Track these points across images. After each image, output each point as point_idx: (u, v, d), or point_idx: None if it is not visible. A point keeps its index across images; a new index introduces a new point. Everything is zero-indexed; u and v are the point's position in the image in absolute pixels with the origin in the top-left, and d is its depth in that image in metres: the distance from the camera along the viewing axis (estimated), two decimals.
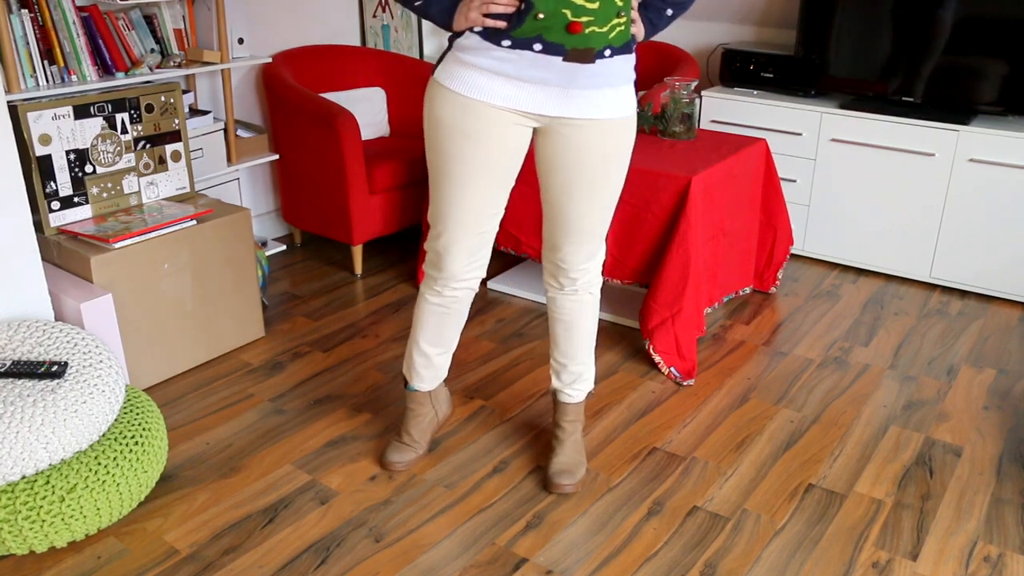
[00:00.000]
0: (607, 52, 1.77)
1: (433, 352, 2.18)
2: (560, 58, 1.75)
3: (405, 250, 3.72)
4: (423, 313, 2.13)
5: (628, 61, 1.85)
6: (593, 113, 1.84)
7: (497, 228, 2.03)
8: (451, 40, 1.86)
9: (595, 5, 1.70)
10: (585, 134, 1.87)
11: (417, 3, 1.82)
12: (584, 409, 2.43)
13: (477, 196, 1.92)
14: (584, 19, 1.71)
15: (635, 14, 1.84)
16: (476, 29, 1.78)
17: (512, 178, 1.96)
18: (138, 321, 2.56)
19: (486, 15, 1.74)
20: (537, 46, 1.74)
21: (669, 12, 1.92)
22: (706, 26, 4.06)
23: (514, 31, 1.73)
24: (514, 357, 2.83)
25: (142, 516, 2.10)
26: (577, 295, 2.12)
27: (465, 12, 1.77)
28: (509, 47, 1.76)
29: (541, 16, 1.70)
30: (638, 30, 1.87)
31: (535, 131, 1.92)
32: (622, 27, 1.77)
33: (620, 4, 1.73)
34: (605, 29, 1.74)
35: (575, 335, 2.17)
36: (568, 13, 1.69)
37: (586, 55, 1.75)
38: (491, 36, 1.76)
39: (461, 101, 1.83)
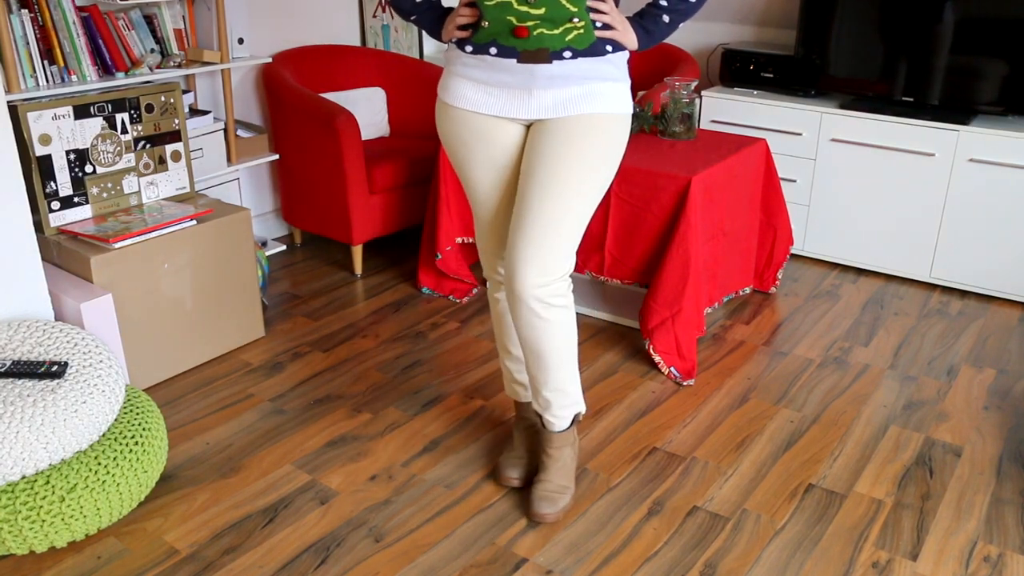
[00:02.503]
0: (566, 54, 1.79)
1: (519, 352, 2.19)
2: (514, 60, 1.82)
3: (405, 250, 3.72)
4: (496, 316, 2.18)
5: (602, 63, 1.83)
6: (560, 112, 1.87)
7: None
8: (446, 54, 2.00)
9: (540, 11, 1.74)
10: (553, 127, 1.88)
11: (412, 18, 1.98)
12: (574, 432, 2.17)
13: (493, 197, 2.01)
14: (529, 23, 1.76)
15: (611, 19, 1.80)
16: (453, 40, 1.91)
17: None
18: (138, 321, 2.56)
19: (458, 27, 1.88)
20: (492, 50, 1.83)
21: (666, 19, 1.88)
22: (706, 26, 4.06)
23: (473, 37, 1.85)
24: None
25: (142, 516, 2.10)
26: (521, 313, 1.90)
27: (446, 25, 1.91)
28: (471, 52, 1.86)
29: (486, 24, 1.79)
30: (620, 37, 1.82)
31: (528, 127, 1.96)
32: (580, 31, 1.77)
33: (573, 10, 1.74)
34: (557, 31, 1.77)
35: (544, 362, 1.98)
36: (513, 20, 1.76)
37: (540, 55, 1.79)
38: (460, 44, 1.89)
39: (450, 110, 1.95)
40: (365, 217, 3.32)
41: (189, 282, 2.67)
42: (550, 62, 1.80)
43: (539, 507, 2.06)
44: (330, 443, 2.38)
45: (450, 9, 1.93)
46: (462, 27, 1.86)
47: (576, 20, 1.76)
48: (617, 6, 1.87)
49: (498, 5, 1.75)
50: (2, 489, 1.85)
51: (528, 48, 1.78)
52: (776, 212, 3.20)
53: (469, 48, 1.86)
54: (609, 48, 1.83)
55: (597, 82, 1.85)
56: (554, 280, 1.89)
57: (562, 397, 2.06)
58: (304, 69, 3.60)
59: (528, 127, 1.95)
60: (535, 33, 1.76)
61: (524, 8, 1.73)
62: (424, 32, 2.03)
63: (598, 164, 1.87)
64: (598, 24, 1.80)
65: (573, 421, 2.14)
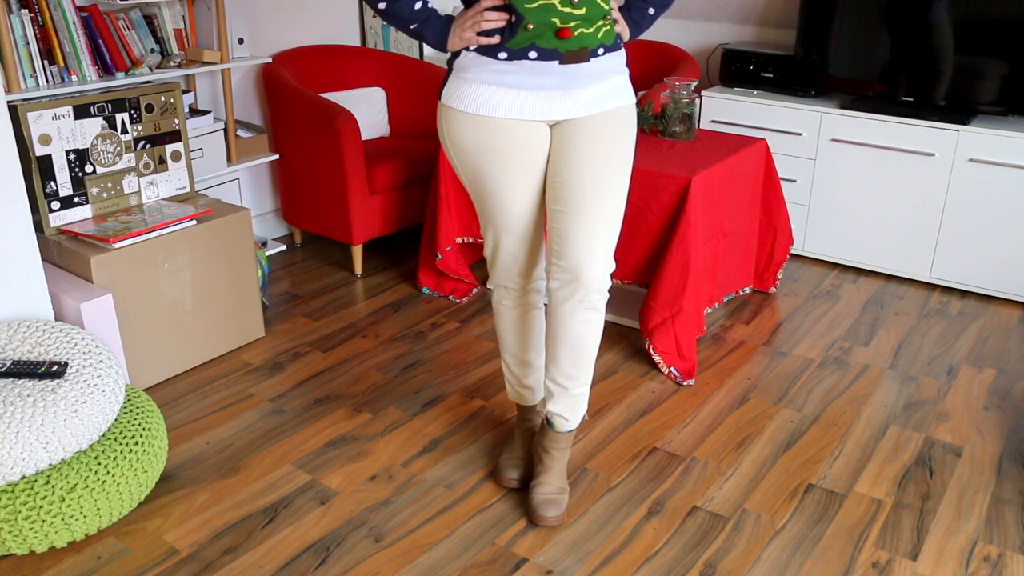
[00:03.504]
0: (600, 50, 1.84)
1: (532, 356, 2.17)
2: (556, 62, 1.80)
3: (405, 250, 3.72)
4: (509, 324, 2.12)
5: (619, 56, 1.92)
6: (593, 108, 1.88)
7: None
8: (450, 63, 1.90)
9: (582, 11, 1.76)
10: (588, 123, 1.89)
11: (413, 27, 1.86)
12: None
13: (524, 201, 1.95)
14: (572, 24, 1.76)
15: (616, 15, 1.90)
16: (472, 47, 1.82)
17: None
18: (138, 321, 2.56)
19: (479, 33, 1.80)
20: (532, 54, 1.79)
21: (651, 11, 2.00)
22: (706, 26, 4.06)
23: (508, 43, 1.78)
24: None
25: (142, 516, 2.10)
26: (580, 308, 1.92)
27: (459, 33, 1.82)
28: (506, 59, 1.81)
29: (531, 27, 1.76)
30: (622, 30, 1.93)
31: (551, 127, 1.94)
32: (608, 27, 1.84)
33: (606, 8, 1.79)
34: (592, 30, 1.80)
35: (583, 357, 2.01)
36: (557, 21, 1.75)
37: (581, 55, 1.81)
38: (487, 51, 1.81)
39: (473, 120, 1.86)
40: (365, 217, 3.32)
41: (189, 282, 2.67)
42: (588, 60, 1.82)
43: (546, 511, 2.05)
44: (330, 443, 2.38)
45: (452, 17, 1.86)
46: (483, 33, 1.79)
47: (607, 17, 1.82)
48: None
49: (541, 7, 1.73)
50: (2, 489, 1.85)
51: (571, 48, 1.79)
52: (776, 212, 3.20)
53: (503, 55, 1.80)
54: (621, 42, 1.91)
55: (616, 75, 1.90)
56: (609, 271, 1.94)
57: (587, 392, 2.09)
58: (304, 69, 3.60)
59: (551, 127, 1.93)
60: (576, 33, 1.77)
61: (567, 9, 1.74)
62: (428, 45, 1.91)
63: (630, 153, 1.94)
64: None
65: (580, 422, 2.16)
